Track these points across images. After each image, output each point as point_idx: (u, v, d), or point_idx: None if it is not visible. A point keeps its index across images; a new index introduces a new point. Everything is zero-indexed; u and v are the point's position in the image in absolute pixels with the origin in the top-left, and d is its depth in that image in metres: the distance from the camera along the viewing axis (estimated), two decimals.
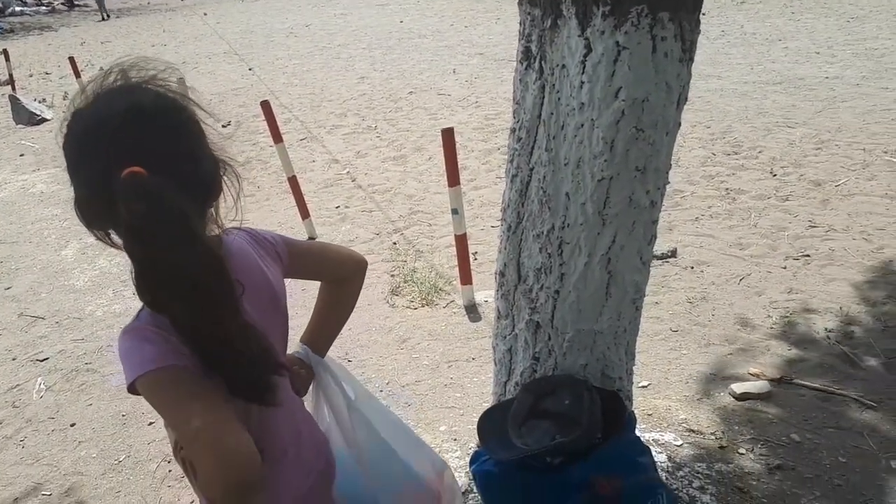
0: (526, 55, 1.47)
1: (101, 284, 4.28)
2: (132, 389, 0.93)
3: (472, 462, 1.82)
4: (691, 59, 1.37)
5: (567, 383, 1.74)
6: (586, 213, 1.52)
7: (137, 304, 0.93)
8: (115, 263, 4.56)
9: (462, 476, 2.32)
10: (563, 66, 1.38)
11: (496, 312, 1.88)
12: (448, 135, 3.35)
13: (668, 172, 1.55)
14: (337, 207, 5.08)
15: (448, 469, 1.66)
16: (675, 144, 1.52)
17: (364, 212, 5.09)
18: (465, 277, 3.53)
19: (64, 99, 9.94)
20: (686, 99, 1.43)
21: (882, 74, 6.32)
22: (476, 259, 3.98)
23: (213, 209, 1.01)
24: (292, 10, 17.46)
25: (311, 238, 4.56)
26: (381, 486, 1.40)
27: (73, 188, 0.95)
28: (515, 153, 1.58)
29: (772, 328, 3.01)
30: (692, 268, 3.57)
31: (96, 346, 3.55)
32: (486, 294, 3.67)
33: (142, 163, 0.84)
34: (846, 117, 5.39)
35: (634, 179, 1.47)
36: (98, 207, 0.90)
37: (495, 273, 1.82)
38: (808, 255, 3.55)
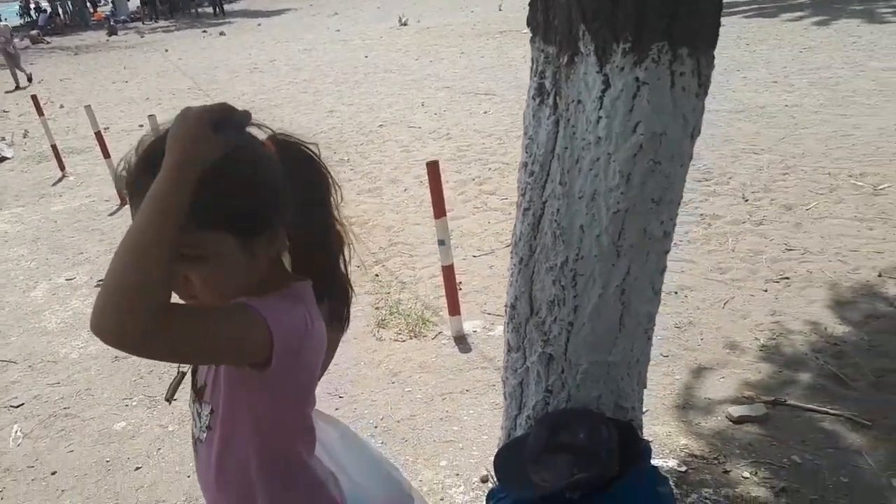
0: (539, 91, 1.49)
1: (74, 326, 4.15)
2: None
3: (489, 499, 1.79)
4: (706, 93, 1.40)
5: (582, 416, 1.74)
6: (601, 246, 1.53)
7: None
8: (88, 304, 4.42)
9: None
10: (579, 101, 1.40)
11: (506, 346, 1.87)
12: (433, 168, 3.37)
13: (679, 203, 1.58)
14: None
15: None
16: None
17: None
18: (454, 308, 3.52)
19: (24, 137, 9.72)
20: (699, 132, 1.46)
21: (839, 102, 6.56)
22: (461, 289, 3.97)
23: None
24: (255, 46, 17.45)
25: None
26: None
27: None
28: (528, 187, 1.59)
29: (760, 350, 3.06)
30: (676, 293, 3.62)
31: (74, 391, 3.43)
32: (474, 324, 3.66)
33: None
34: (809, 143, 5.58)
35: (650, 211, 1.49)
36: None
37: (505, 306, 1.82)
38: (787, 278, 3.63)
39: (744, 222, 4.35)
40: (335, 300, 1.17)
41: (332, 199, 1.11)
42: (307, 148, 1.07)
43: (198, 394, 1.09)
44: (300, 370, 1.00)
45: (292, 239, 1.07)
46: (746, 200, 4.65)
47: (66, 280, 4.90)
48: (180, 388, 1.15)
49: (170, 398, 1.17)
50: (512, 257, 1.74)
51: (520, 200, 1.65)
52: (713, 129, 6.39)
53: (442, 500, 2.37)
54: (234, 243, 0.93)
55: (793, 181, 4.88)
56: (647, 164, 1.41)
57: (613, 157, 1.41)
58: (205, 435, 1.08)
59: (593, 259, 1.56)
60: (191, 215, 0.85)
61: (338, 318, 1.20)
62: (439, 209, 3.38)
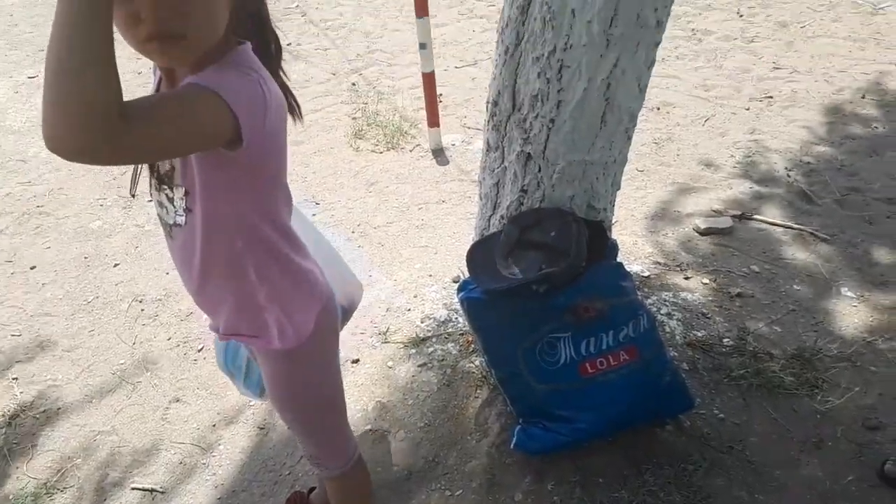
0: None
1: (41, 125, 4.01)
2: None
3: (459, 290, 1.86)
4: None
5: (553, 215, 1.76)
6: (591, 33, 1.46)
7: None
8: None
9: (440, 308, 2.39)
10: None
11: (485, 145, 1.84)
12: None
13: None
14: (288, 45, 4.79)
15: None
16: None
17: (318, 49, 4.82)
18: (433, 119, 3.44)
19: None
20: None
21: None
22: (441, 101, 3.87)
23: None
24: None
25: None
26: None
27: None
28: None
29: (735, 167, 3.08)
30: (658, 109, 3.57)
31: (46, 189, 3.39)
32: (452, 138, 3.61)
33: None
34: None
35: None
36: None
37: (487, 103, 1.77)
38: (771, 97, 3.58)
39: (735, 38, 4.20)
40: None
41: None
42: None
43: (163, 179, 1.04)
44: (269, 139, 0.97)
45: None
46: (741, 16, 4.46)
47: (29, 78, 4.67)
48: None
49: (133, 192, 1.14)
50: (497, 46, 1.66)
51: None
52: None
53: (416, 296, 2.47)
54: None
55: None
56: None
57: None
58: (183, 218, 1.05)
59: (582, 49, 1.49)
60: None
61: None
62: (421, 6, 3.18)
